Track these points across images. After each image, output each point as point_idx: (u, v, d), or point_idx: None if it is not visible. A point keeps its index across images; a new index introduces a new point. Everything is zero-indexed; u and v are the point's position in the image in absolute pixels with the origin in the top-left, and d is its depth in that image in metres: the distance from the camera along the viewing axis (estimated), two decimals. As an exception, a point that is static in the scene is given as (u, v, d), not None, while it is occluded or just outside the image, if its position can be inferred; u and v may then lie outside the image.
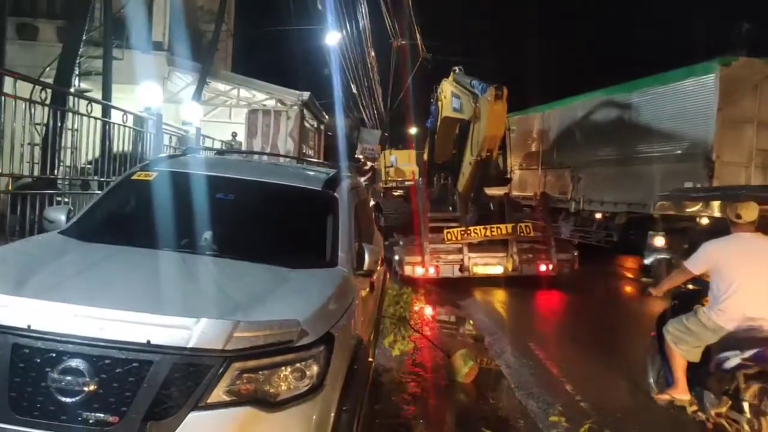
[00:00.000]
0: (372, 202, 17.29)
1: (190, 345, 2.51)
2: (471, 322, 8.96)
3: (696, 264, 4.92)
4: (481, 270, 11.20)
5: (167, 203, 3.97)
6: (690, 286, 5.23)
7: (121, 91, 11.08)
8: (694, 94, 11.60)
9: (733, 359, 4.51)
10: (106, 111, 8.65)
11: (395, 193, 18.41)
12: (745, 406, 4.43)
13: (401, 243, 11.80)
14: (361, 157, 27.05)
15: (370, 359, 5.35)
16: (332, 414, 2.87)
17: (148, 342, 2.50)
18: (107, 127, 8.12)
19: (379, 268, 5.85)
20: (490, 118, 11.16)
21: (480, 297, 10.88)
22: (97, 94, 10.35)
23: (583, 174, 15.35)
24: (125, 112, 8.09)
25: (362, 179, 25.35)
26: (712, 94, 11.01)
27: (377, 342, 6.39)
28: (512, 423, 5.16)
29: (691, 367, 4.94)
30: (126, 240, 3.61)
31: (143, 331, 2.51)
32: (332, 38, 20.19)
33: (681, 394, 4.96)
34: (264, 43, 25.26)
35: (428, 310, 9.56)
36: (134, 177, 4.32)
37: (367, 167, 26.68)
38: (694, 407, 4.95)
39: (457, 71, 13.64)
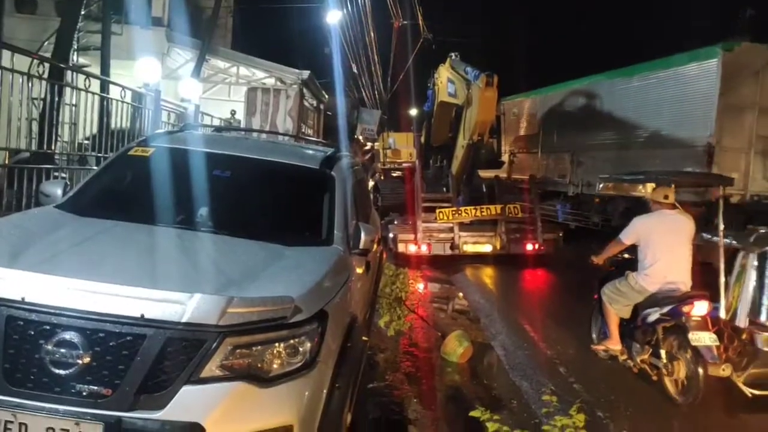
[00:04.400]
0: (371, 183, 17.38)
1: (184, 320, 2.52)
2: (466, 302, 9.01)
3: (628, 236, 5.90)
4: (470, 248, 11.75)
5: (164, 179, 3.97)
6: (626, 255, 6.14)
7: (120, 67, 11.02)
8: (696, 79, 11.52)
9: (654, 314, 5.52)
10: (104, 86, 8.59)
11: (393, 174, 18.48)
12: (662, 353, 5.42)
13: (396, 222, 12.24)
14: (360, 137, 26.94)
15: (365, 338, 5.38)
16: (324, 391, 2.89)
17: (142, 316, 2.51)
18: (105, 102, 8.07)
19: (375, 247, 5.87)
20: (481, 104, 11.70)
21: (475, 278, 11.08)
22: (96, 70, 10.29)
23: (583, 158, 15.32)
24: (123, 87, 8.03)
25: (362, 159, 25.28)
26: (713, 80, 10.92)
27: (373, 321, 6.42)
28: (505, 403, 5.21)
29: (623, 323, 5.92)
30: (122, 215, 3.60)
31: (137, 305, 2.52)
32: (333, 17, 20.00)
33: (614, 345, 5.94)
34: (264, 21, 25.06)
35: (424, 291, 9.64)
36: (131, 152, 4.30)
37: (366, 148, 26.58)
38: (624, 356, 5.92)
39: (453, 57, 14.07)
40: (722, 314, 5.39)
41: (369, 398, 5.00)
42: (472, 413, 3.58)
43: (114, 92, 8.27)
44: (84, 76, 7.51)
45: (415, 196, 11.99)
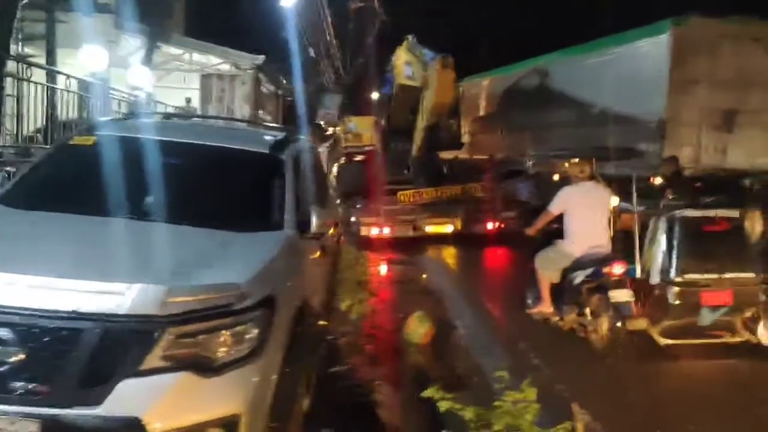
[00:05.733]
0: (336, 166, 17.30)
1: (123, 311, 2.46)
2: (429, 283, 9.02)
3: (555, 206, 6.40)
4: (432, 229, 11.87)
5: (106, 168, 3.82)
6: (555, 226, 6.52)
7: (68, 56, 10.70)
8: (648, 55, 11.56)
9: (579, 277, 6.05)
10: (51, 77, 8.32)
11: (356, 159, 18.40)
12: (587, 311, 5.93)
13: (358, 205, 12.29)
14: (322, 122, 26.72)
15: (324, 322, 5.35)
16: (274, 378, 2.85)
17: (78, 309, 2.43)
18: (51, 93, 7.82)
19: (332, 231, 5.81)
20: (438, 86, 11.92)
21: (438, 258, 11.23)
22: (43, 60, 9.97)
23: (543, 136, 15.39)
24: (68, 76, 7.80)
25: (325, 145, 25.06)
26: (664, 54, 10.97)
27: (333, 305, 6.38)
28: (466, 381, 5.21)
29: (553, 287, 6.36)
30: (61, 207, 3.47)
31: (73, 298, 2.45)
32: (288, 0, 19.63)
33: (546, 307, 6.42)
34: (219, 4, 24.51)
35: (386, 273, 9.63)
36: (72, 142, 4.18)
37: (328, 132, 26.36)
38: (556, 317, 6.39)
39: (410, 39, 14.00)
40: (638, 273, 5.90)
41: (331, 382, 4.96)
42: (425, 393, 3.58)
43: (62, 82, 8.03)
44: (26, 66, 7.26)
45: (376, 179, 12.10)
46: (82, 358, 2.42)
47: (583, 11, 25.32)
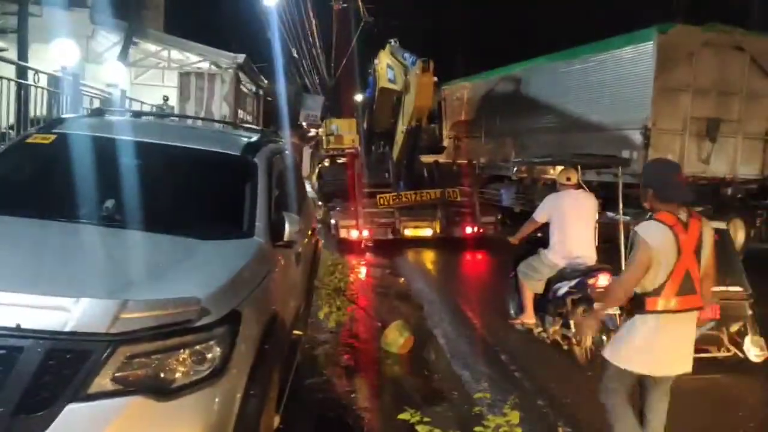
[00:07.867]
0: (317, 169, 17.13)
1: (68, 329, 2.22)
2: (409, 289, 8.84)
3: (539, 215, 6.28)
4: (411, 233, 11.88)
5: (65, 169, 3.59)
6: (539, 234, 6.42)
7: (42, 51, 10.35)
8: (633, 62, 11.55)
9: (563, 288, 5.87)
10: (23, 72, 7.99)
11: (338, 161, 18.28)
12: (571, 323, 5.72)
13: (338, 208, 12.28)
14: (304, 123, 26.49)
15: (299, 332, 5.13)
16: (238, 399, 2.62)
17: (18, 326, 2.20)
18: (25, 89, 7.51)
19: (310, 236, 5.60)
20: (418, 90, 11.90)
21: (417, 263, 11.06)
22: (15, 54, 9.62)
23: (526, 141, 15.31)
24: (36, 71, 7.49)
25: (309, 145, 24.83)
26: (649, 62, 10.93)
27: (309, 314, 6.17)
28: (446, 395, 5.04)
29: (536, 298, 6.24)
30: (13, 210, 3.21)
31: (12, 313, 2.20)
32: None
33: (529, 318, 6.27)
34: (200, 2, 24.22)
35: (365, 280, 9.44)
36: (29, 140, 3.92)
37: (311, 134, 26.16)
38: (539, 329, 6.23)
39: (393, 43, 14.16)
40: None
41: (306, 394, 4.75)
42: (401, 416, 3.37)
43: (30, 77, 7.72)
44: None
45: (357, 182, 12.01)
46: (22, 379, 2.19)
47: (569, 17, 25.38)
